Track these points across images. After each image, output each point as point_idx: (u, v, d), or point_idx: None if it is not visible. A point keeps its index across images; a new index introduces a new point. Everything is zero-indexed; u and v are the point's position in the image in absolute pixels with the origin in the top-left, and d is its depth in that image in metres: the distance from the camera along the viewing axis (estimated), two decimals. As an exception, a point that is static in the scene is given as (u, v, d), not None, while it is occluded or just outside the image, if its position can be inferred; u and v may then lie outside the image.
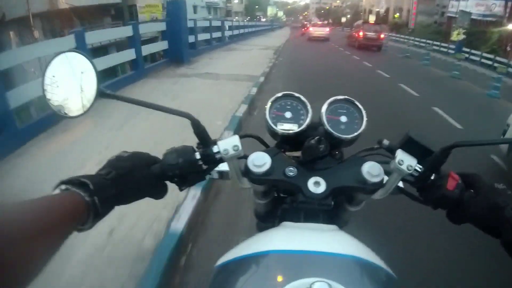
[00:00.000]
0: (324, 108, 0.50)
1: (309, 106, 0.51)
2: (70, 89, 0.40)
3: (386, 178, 0.44)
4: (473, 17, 19.69)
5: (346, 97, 0.52)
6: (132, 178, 0.39)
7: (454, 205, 0.42)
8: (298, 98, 0.52)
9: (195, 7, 31.74)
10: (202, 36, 8.85)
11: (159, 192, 0.44)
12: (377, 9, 44.15)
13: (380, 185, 0.44)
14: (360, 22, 17.96)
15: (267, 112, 0.51)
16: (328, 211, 0.46)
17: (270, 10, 45.61)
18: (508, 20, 17.65)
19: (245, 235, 0.46)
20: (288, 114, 0.51)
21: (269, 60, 7.88)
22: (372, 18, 30.74)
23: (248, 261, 0.37)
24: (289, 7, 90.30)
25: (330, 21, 63.40)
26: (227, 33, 11.69)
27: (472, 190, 0.42)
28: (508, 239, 0.37)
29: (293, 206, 0.47)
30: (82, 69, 0.40)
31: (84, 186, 0.34)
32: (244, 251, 0.39)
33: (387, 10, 43.06)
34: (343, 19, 46.11)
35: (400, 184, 0.48)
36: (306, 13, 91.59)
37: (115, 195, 0.37)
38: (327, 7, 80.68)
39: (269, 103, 0.52)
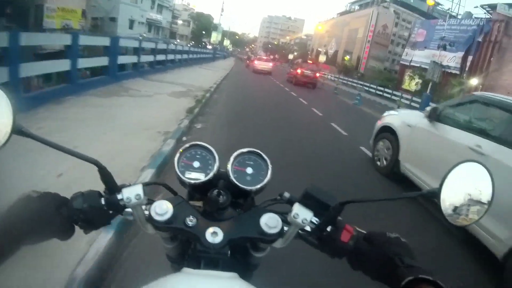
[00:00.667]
0: (230, 160, 0.56)
1: (216, 156, 0.56)
2: None
3: (286, 228, 0.49)
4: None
5: (252, 149, 0.58)
6: (40, 219, 0.42)
7: (351, 254, 0.47)
8: (207, 148, 0.57)
9: (131, 22, 28.16)
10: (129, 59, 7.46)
11: (65, 234, 0.46)
12: (325, 50, 45.38)
13: (278, 235, 0.48)
14: (299, 60, 20.34)
15: (175, 161, 0.55)
16: (228, 258, 0.49)
17: (214, 36, 42.88)
18: (469, 73, 18.73)
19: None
20: (196, 164, 0.56)
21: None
22: (322, 58, 31.76)
23: None
24: (237, 37, 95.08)
25: (277, 56, 67.56)
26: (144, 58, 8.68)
27: (368, 242, 0.47)
28: (395, 283, 0.41)
29: (194, 253, 0.50)
30: None
31: None
32: None
33: (335, 52, 44.66)
34: (291, 56, 49.11)
35: (302, 231, 0.50)
36: (253, 45, 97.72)
37: (22, 236, 0.39)
38: (276, 42, 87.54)
39: (178, 153, 0.56)
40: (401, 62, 27.47)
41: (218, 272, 0.47)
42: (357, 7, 47.01)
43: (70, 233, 0.47)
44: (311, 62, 19.75)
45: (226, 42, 50.67)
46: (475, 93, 3.22)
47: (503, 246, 1.97)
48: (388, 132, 3.74)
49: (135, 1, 28.67)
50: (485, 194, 0.45)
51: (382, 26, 38.65)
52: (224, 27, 60.13)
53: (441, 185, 0.43)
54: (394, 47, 40.34)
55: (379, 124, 4.00)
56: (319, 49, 50.63)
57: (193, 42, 44.02)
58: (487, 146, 2.39)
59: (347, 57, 40.53)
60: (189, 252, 0.55)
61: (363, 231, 0.50)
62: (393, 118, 3.82)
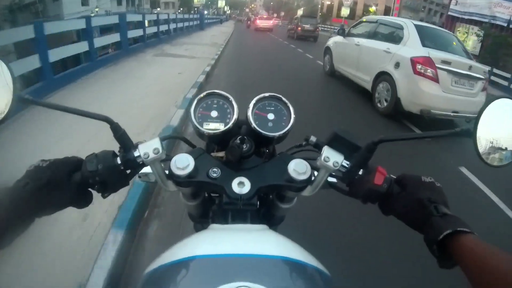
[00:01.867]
0: (250, 106, 0.57)
1: (235, 104, 0.57)
2: None
3: (315, 174, 0.52)
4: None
5: (273, 94, 0.59)
6: (52, 189, 0.43)
7: (383, 198, 0.49)
8: (224, 96, 0.58)
9: None
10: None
11: (82, 201, 0.48)
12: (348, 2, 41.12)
13: (307, 182, 0.50)
14: (298, 15, 21.96)
15: (191, 112, 0.56)
16: (256, 210, 0.53)
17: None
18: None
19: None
20: (214, 113, 0.57)
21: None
22: (345, 12, 28.10)
23: (174, 267, 0.41)
24: None
25: (283, 14, 65.92)
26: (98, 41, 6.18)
27: (400, 185, 0.49)
28: (429, 237, 0.43)
29: (220, 207, 0.53)
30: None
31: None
32: (171, 257, 0.43)
33: (354, 4, 39.28)
34: (300, 12, 46.29)
35: (331, 178, 0.53)
36: (253, 5, 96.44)
37: (34, 208, 0.42)
38: None
39: (194, 103, 0.57)
40: (449, 13, 21.74)
41: (248, 225, 0.50)
42: None
43: (88, 199, 0.48)
44: (314, 16, 22.62)
45: (221, 3, 48.00)
46: (362, 18, 6.37)
47: (369, 84, 5.01)
48: (328, 49, 6.94)
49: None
50: None
51: None
52: None
53: (476, 123, 0.43)
54: None
55: (325, 46, 7.21)
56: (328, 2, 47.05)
57: (180, 10, 41.63)
58: (362, 41, 5.49)
59: (372, 9, 36.11)
60: (213, 208, 0.59)
61: (393, 176, 0.51)
62: (329, 41, 6.99)
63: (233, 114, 0.57)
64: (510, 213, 2.52)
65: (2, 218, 0.37)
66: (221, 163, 0.52)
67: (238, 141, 0.52)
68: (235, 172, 0.51)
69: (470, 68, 4.08)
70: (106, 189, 0.48)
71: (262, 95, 0.59)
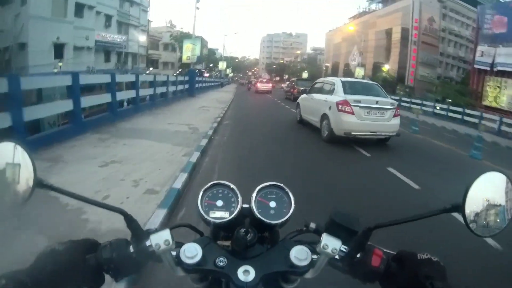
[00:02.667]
0: (253, 195, 0.67)
1: (239, 194, 0.67)
2: (6, 181, 0.49)
3: (316, 256, 0.58)
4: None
5: (274, 183, 0.69)
6: (69, 271, 0.49)
7: (382, 277, 0.56)
8: (229, 186, 0.68)
9: (58, 46, 21.77)
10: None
11: (96, 283, 0.53)
12: (355, 60, 39.61)
13: (309, 266, 0.57)
14: (294, 79, 26.27)
15: (198, 201, 0.65)
16: None
17: (221, 65, 47.38)
18: None
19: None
20: (219, 203, 0.66)
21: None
22: (360, 72, 28.35)
23: None
24: (237, 60, 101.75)
25: (286, 77, 70.30)
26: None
27: (398, 263, 0.55)
28: None
29: None
30: (18, 159, 0.50)
31: (22, 283, 0.44)
32: None
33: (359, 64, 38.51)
34: (305, 75, 46.35)
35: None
36: (255, 68, 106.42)
37: None
38: (282, 61, 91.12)
39: (201, 193, 0.67)
40: (475, 66, 21.82)
41: None
42: (379, 6, 43.10)
43: (101, 281, 0.54)
44: (305, 78, 26.21)
45: (222, 65, 48.52)
46: (318, 79, 9.43)
47: (318, 123, 7.67)
48: (298, 103, 9.90)
49: (64, 14, 22.35)
50: (507, 204, 0.52)
51: (427, 20, 33.07)
52: (221, 51, 60.26)
53: (464, 198, 0.49)
54: (445, 47, 34.49)
55: (297, 101, 10.23)
56: (336, 62, 49.53)
57: (179, 71, 40.56)
58: (315, 96, 8.29)
59: (385, 68, 35.14)
60: None
61: (392, 252, 0.58)
62: (299, 98, 9.99)
63: (238, 203, 0.66)
64: (416, 186, 4.52)
65: None
66: (227, 252, 0.60)
67: (243, 232, 0.61)
68: (241, 260, 0.58)
69: (377, 102, 6.69)
70: (119, 274, 0.55)
71: (264, 184, 0.69)
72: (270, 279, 0.59)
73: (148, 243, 0.55)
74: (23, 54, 20.10)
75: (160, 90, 11.77)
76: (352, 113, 6.51)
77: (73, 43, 23.66)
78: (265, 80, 36.97)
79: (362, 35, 35.66)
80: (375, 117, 6.67)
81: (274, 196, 0.68)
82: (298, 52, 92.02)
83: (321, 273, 0.59)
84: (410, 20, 32.92)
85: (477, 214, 0.52)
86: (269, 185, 0.69)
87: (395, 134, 6.91)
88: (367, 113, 6.62)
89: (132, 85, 9.04)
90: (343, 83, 7.33)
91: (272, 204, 0.67)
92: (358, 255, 0.57)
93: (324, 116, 7.18)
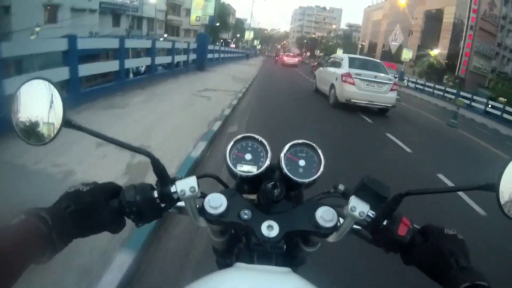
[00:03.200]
0: (283, 151, 0.68)
1: (268, 149, 0.68)
2: (37, 117, 0.52)
3: (341, 221, 0.59)
4: None
5: (305, 141, 0.69)
6: (91, 214, 0.51)
7: (406, 248, 0.56)
8: (259, 140, 0.69)
9: (52, 8, 20.27)
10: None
11: (117, 227, 0.56)
12: (395, 39, 39.20)
13: (333, 229, 0.58)
14: (321, 54, 28.04)
15: (227, 153, 0.67)
16: (281, 253, 0.59)
17: (248, 35, 48.51)
18: None
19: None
20: (248, 156, 0.68)
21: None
22: (407, 55, 24.72)
23: None
24: (266, 32, 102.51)
25: (318, 52, 70.13)
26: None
27: (423, 236, 0.56)
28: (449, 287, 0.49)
29: (247, 247, 0.60)
30: (50, 97, 0.52)
31: (43, 219, 0.45)
32: None
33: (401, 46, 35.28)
34: (339, 52, 42.02)
35: (356, 225, 0.61)
36: (285, 42, 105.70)
37: (73, 229, 0.49)
38: (313, 35, 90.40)
39: (230, 144, 0.68)
40: None
41: (273, 267, 0.56)
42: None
43: (122, 225, 0.56)
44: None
45: (248, 35, 49.32)
46: (332, 55, 11.53)
47: (327, 91, 9.70)
48: (314, 75, 11.89)
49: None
50: None
51: (488, 3, 29.86)
52: (251, 23, 60.85)
53: (499, 177, 0.49)
54: (504, 37, 30.81)
55: (314, 73, 12.44)
56: (374, 41, 47.38)
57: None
58: (327, 69, 10.23)
59: (433, 52, 32.17)
60: (240, 246, 0.66)
61: (417, 226, 0.59)
62: (316, 71, 12.02)
63: (266, 159, 0.67)
64: (408, 149, 5.72)
65: (45, 236, 0.44)
66: (252, 205, 0.61)
67: (270, 186, 0.61)
68: (265, 215, 0.60)
69: (375, 76, 8.46)
70: (141, 219, 0.56)
71: (295, 141, 0.70)
72: (292, 238, 0.63)
73: (173, 189, 0.57)
74: (7, 18, 18.87)
75: (137, 62, 9.73)
76: (353, 84, 8.31)
77: (70, 4, 21.85)
78: (292, 54, 39.68)
79: (408, 13, 32.48)
80: (373, 89, 8.44)
81: (304, 154, 0.70)
82: (333, 26, 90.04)
83: (343, 242, 0.61)
84: (469, 2, 29.56)
85: (510, 196, 0.51)
86: (300, 143, 0.70)
87: (391, 105, 8.66)
88: (366, 85, 8.40)
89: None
90: (350, 58, 9.11)
91: (302, 162, 0.68)
92: (385, 223, 0.58)
93: (332, 86, 9.04)
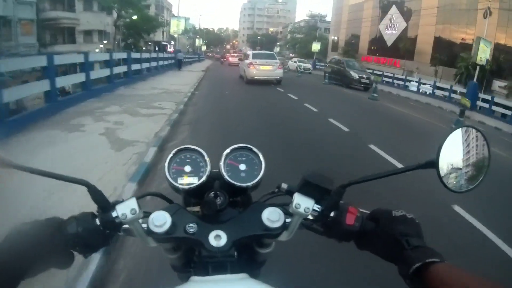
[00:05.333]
0: (222, 158, 0.80)
1: (206, 158, 0.80)
2: None
3: (289, 219, 0.71)
4: None
5: (244, 145, 0.83)
6: (35, 253, 0.57)
7: (357, 235, 0.69)
8: (196, 150, 0.82)
9: None
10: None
11: (65, 262, 0.63)
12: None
13: (282, 228, 0.70)
14: (292, 56, 38.73)
15: (165, 168, 0.79)
16: (235, 260, 0.69)
17: (175, 25, 43.15)
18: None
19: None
20: (188, 168, 0.79)
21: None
22: (484, 51, 17.59)
23: None
24: (212, 31, 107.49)
25: (277, 50, 71.83)
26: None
27: (373, 221, 0.69)
28: (402, 270, 0.60)
29: (200, 259, 0.70)
30: None
31: None
32: None
33: (401, 35, 35.27)
34: (316, 46, 44.32)
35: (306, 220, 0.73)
36: (235, 41, 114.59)
37: (18, 272, 0.55)
38: (271, 30, 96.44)
39: (167, 159, 0.80)
40: None
41: (228, 275, 0.66)
42: None
43: (70, 260, 0.64)
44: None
45: (176, 25, 43.43)
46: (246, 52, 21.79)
47: (244, 75, 19.66)
48: (240, 67, 22.49)
49: None
50: (481, 157, 0.65)
51: None
52: (194, 23, 65.57)
53: (438, 154, 0.61)
54: None
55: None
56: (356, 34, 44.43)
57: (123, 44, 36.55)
58: (244, 61, 20.24)
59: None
60: (194, 260, 0.76)
61: (366, 211, 0.71)
62: (240, 64, 22.55)
63: (206, 167, 0.79)
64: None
65: None
66: (197, 217, 0.72)
67: (212, 195, 0.73)
68: (212, 225, 0.70)
69: (267, 61, 18.00)
70: (88, 250, 0.65)
71: (233, 146, 0.82)
72: (243, 243, 0.72)
73: (114, 213, 0.65)
74: None
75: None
76: (254, 67, 17.57)
77: None
78: (236, 54, 52.72)
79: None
80: (267, 68, 17.76)
81: (244, 158, 0.82)
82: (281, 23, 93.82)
83: (296, 236, 0.72)
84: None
85: (451, 170, 0.64)
86: (238, 147, 0.83)
87: (279, 77, 17.86)
88: (261, 67, 17.67)
89: None
90: (253, 53, 18.91)
91: (242, 166, 0.81)
92: (332, 214, 0.70)
93: (244, 71, 18.40)
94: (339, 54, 43.00)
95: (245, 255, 0.77)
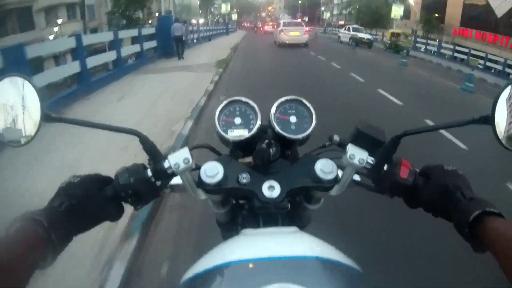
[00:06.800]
0: (272, 110, 0.90)
1: (257, 110, 0.89)
2: (14, 116, 0.67)
3: (341, 173, 0.78)
4: None
5: (294, 97, 0.92)
6: (86, 205, 0.66)
7: (409, 191, 0.75)
8: (246, 103, 0.91)
9: None
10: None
11: (115, 214, 0.72)
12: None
13: (335, 181, 0.77)
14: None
15: (216, 120, 0.88)
16: (286, 213, 0.79)
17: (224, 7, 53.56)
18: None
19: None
20: (237, 120, 0.89)
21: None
22: None
23: (211, 275, 0.64)
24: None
25: (326, 16, 72.50)
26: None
27: (425, 177, 0.75)
28: (460, 222, 0.65)
29: (251, 212, 0.80)
30: (25, 93, 0.67)
31: (39, 223, 0.57)
32: (206, 265, 0.66)
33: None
34: (398, 11, 36.25)
35: (356, 176, 0.81)
36: (271, 8, 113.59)
37: (70, 226, 0.63)
38: None
39: (217, 111, 0.89)
40: None
41: (280, 228, 0.76)
42: None
43: (120, 212, 0.73)
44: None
45: (225, 8, 56.37)
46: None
47: (276, 39, 27.48)
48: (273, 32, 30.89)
49: None
50: None
51: None
52: None
53: (493, 108, 0.64)
54: None
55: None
56: None
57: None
58: (278, 28, 28.06)
59: None
60: (243, 214, 0.86)
61: (417, 169, 0.77)
62: (274, 32, 30.55)
63: (257, 120, 0.88)
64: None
65: (43, 239, 0.57)
66: (249, 168, 0.80)
67: (264, 145, 0.79)
68: (264, 176, 0.78)
69: (296, 29, 25.45)
70: (139, 202, 0.73)
71: (282, 98, 0.92)
72: (295, 197, 0.83)
73: (166, 164, 0.73)
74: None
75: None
76: (285, 34, 24.74)
77: None
78: (271, 23, 57.22)
79: None
80: (295, 35, 24.88)
81: (294, 111, 0.91)
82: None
83: (346, 195, 0.79)
84: None
85: (507, 125, 0.66)
86: (289, 100, 0.92)
87: (305, 41, 24.93)
88: (290, 33, 24.85)
89: None
90: (283, 23, 26.22)
91: (293, 119, 0.90)
92: (385, 167, 0.76)
93: (276, 36, 26.06)
94: (416, 23, 38.47)
95: (294, 210, 0.89)
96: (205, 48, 22.41)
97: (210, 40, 29.45)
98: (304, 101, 0.93)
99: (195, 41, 24.79)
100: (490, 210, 0.62)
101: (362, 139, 0.78)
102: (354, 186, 0.85)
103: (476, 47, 26.55)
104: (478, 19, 31.70)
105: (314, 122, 0.91)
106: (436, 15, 36.55)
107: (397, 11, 35.72)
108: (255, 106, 0.92)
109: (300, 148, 0.96)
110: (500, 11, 29.48)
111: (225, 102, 0.92)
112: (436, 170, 0.75)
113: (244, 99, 0.92)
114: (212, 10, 69.12)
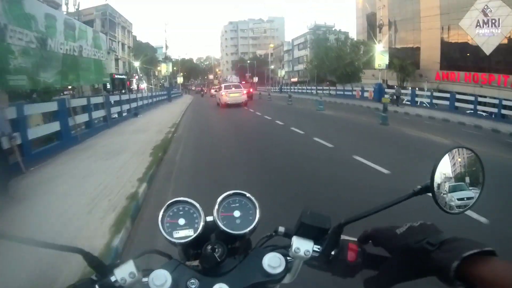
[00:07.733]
0: (215, 207, 0.97)
1: (200, 208, 0.97)
2: None
3: (290, 261, 0.86)
4: None
5: (235, 191, 0.99)
6: None
7: (364, 270, 0.82)
8: (189, 202, 0.98)
9: None
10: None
11: None
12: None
13: (285, 272, 0.84)
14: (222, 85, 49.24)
15: (159, 223, 0.95)
16: None
17: (164, 68, 56.49)
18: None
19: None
20: (181, 221, 0.96)
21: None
22: None
23: None
24: (188, 60, 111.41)
25: (279, 75, 76.06)
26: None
27: (375, 245, 0.81)
28: (443, 273, 0.65)
29: None
30: None
31: None
32: None
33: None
34: (383, 57, 34.38)
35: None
36: (218, 70, 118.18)
37: None
38: (271, 46, 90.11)
39: (160, 214, 0.96)
40: None
41: None
42: None
43: None
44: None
45: (165, 68, 57.78)
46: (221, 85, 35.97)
47: (219, 101, 32.52)
48: (215, 95, 37.29)
49: None
50: (475, 178, 0.77)
51: None
52: (166, 49, 65.71)
53: (432, 177, 0.74)
54: None
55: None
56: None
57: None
58: (219, 92, 33.99)
59: None
60: None
61: (367, 230, 0.84)
62: (216, 94, 37.40)
63: (201, 218, 0.96)
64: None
65: None
66: (197, 272, 0.85)
67: (210, 249, 0.86)
68: (213, 278, 0.83)
69: (235, 90, 30.82)
70: None
71: (224, 194, 1.00)
72: None
73: (113, 278, 0.78)
74: None
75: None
76: (226, 96, 29.57)
77: None
78: (217, 86, 59.63)
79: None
80: (235, 96, 29.85)
81: (237, 204, 0.99)
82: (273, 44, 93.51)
83: (302, 274, 0.87)
84: None
85: (446, 192, 0.77)
86: (231, 194, 1.00)
87: (243, 101, 30.42)
88: (231, 95, 29.85)
89: None
90: (224, 86, 31.71)
91: (237, 213, 0.97)
92: (333, 252, 0.83)
93: (218, 98, 31.26)
94: (390, 71, 37.71)
95: None
96: (95, 150, 11.34)
97: (136, 116, 22.10)
98: (247, 194, 1.02)
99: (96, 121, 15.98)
100: (469, 253, 0.62)
101: (307, 229, 0.85)
102: (310, 267, 0.91)
103: (468, 91, 27.43)
104: (465, 59, 31.54)
105: (258, 214, 0.99)
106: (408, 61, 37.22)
107: (381, 59, 33.66)
108: (197, 204, 1.00)
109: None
110: (488, 48, 29.57)
111: (166, 204, 1.00)
112: (388, 237, 0.79)
113: (185, 199, 1.02)
114: (156, 73, 72.31)
